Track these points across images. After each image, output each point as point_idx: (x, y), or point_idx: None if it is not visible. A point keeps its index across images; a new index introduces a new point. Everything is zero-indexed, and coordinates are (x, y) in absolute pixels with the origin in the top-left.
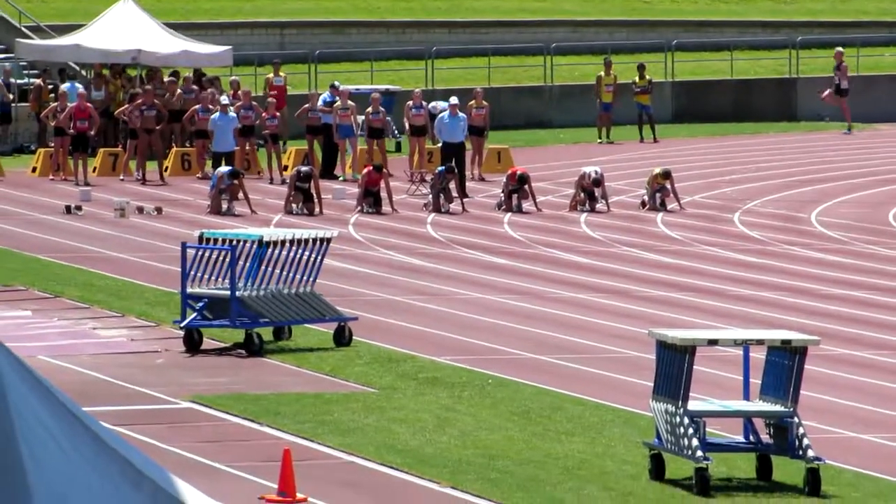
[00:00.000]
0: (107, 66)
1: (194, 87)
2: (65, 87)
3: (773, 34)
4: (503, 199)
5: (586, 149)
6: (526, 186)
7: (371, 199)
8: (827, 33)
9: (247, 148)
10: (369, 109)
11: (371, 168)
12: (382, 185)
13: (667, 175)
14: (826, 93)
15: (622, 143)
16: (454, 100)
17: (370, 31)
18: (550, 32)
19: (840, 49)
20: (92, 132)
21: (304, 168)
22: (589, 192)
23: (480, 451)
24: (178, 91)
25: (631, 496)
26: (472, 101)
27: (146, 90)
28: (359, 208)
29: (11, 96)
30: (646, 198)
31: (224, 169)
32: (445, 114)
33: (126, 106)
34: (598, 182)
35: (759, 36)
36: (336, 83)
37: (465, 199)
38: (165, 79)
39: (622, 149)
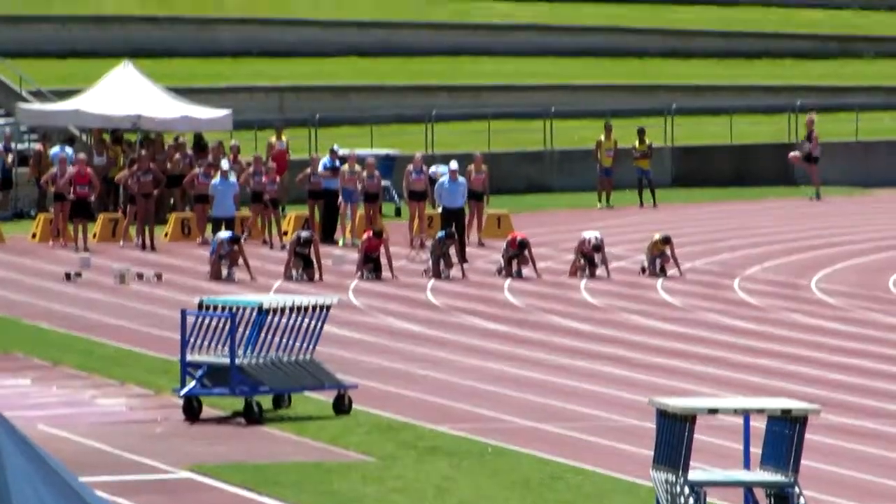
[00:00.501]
0: (107, 131)
1: (189, 152)
2: (54, 151)
3: (773, 99)
4: (503, 264)
5: (586, 214)
6: (526, 252)
7: (371, 264)
8: (826, 98)
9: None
10: (364, 174)
11: (371, 233)
12: (382, 250)
13: (666, 241)
14: (793, 154)
15: (622, 207)
16: (454, 164)
17: (370, 96)
18: (550, 96)
19: (812, 116)
20: (92, 198)
21: (304, 233)
22: (589, 258)
23: None
24: (176, 156)
25: None
26: (471, 166)
27: (142, 155)
28: (359, 274)
29: (11, 159)
30: (645, 264)
31: (224, 234)
32: (445, 179)
33: (124, 172)
34: (598, 248)
35: (758, 100)
36: (336, 147)
37: (464, 265)
38: (168, 143)
39: (622, 214)
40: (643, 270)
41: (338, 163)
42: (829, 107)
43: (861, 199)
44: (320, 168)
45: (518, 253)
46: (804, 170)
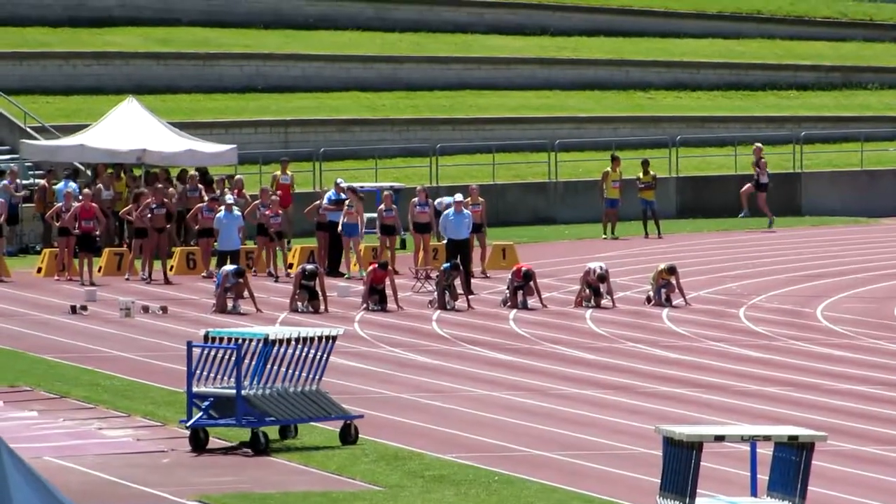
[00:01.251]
0: (111, 165)
1: (199, 185)
2: (59, 186)
3: (777, 129)
4: (508, 295)
5: (591, 245)
6: (531, 283)
7: (376, 296)
8: (831, 128)
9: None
10: (382, 207)
11: (376, 265)
12: (388, 282)
13: (672, 271)
14: (746, 187)
15: (627, 238)
16: (459, 197)
17: (374, 129)
18: (555, 129)
19: (759, 145)
20: (97, 232)
21: (309, 266)
22: (594, 289)
23: None
24: (172, 191)
25: None
26: (468, 199)
27: (156, 189)
28: (364, 306)
29: (19, 195)
30: (651, 293)
31: (229, 268)
32: (450, 211)
33: (131, 206)
34: (604, 278)
35: (762, 131)
36: (340, 180)
37: (470, 296)
38: (173, 179)
39: (627, 244)
40: (648, 300)
41: (342, 195)
42: (834, 137)
43: (866, 228)
44: (325, 201)
45: (523, 284)
46: (755, 202)
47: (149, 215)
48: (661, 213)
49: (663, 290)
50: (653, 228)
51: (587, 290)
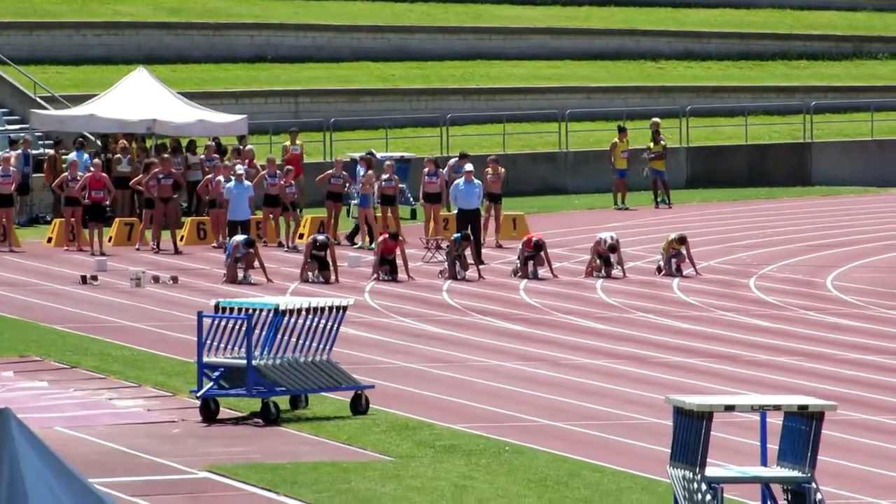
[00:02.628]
0: (124, 136)
1: (215, 155)
2: (72, 156)
3: (788, 99)
4: (519, 265)
5: (602, 214)
6: (542, 253)
7: (387, 266)
8: (841, 98)
9: (270, 217)
10: (384, 176)
11: (387, 235)
12: (398, 252)
13: (682, 240)
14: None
15: (637, 208)
16: (469, 166)
17: (385, 99)
18: (565, 99)
19: (656, 119)
20: (107, 203)
21: (319, 237)
22: (605, 258)
23: None
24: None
25: None
26: (488, 168)
27: (164, 159)
28: (375, 276)
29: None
30: (661, 263)
31: (239, 238)
32: (461, 180)
33: (141, 176)
34: (614, 248)
35: (773, 101)
36: (373, 151)
37: (480, 266)
38: (183, 149)
39: (637, 214)
40: (659, 270)
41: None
42: (844, 107)
43: (876, 197)
44: (360, 175)
45: (534, 254)
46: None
47: (154, 185)
48: (671, 183)
49: (674, 260)
50: (663, 198)
51: (598, 261)
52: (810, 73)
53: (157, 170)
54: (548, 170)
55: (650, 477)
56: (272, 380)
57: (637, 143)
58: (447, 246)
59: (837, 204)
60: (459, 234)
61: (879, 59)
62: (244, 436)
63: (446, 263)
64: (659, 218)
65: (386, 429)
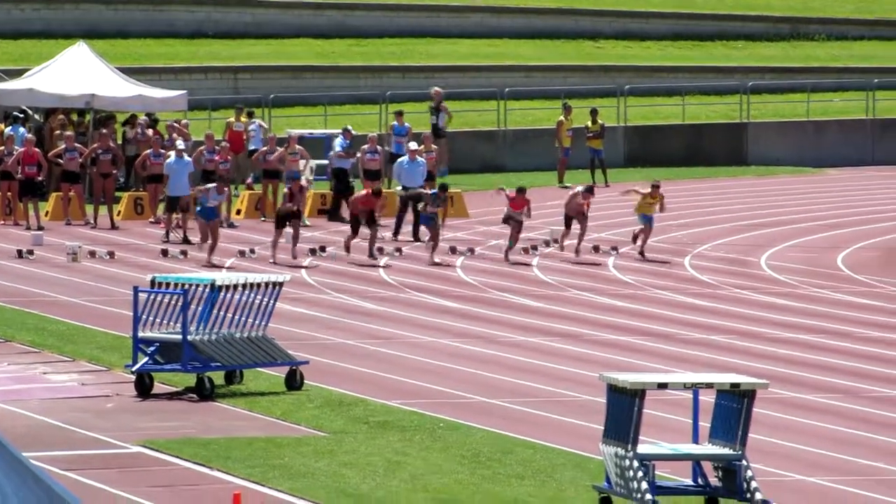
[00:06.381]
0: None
1: (148, 131)
2: (7, 130)
3: (725, 79)
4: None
5: (541, 193)
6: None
7: (367, 216)
8: (777, 79)
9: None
10: (365, 147)
11: (370, 191)
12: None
13: (589, 191)
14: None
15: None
16: (413, 145)
17: (324, 76)
18: (504, 77)
19: (438, 89)
20: (40, 177)
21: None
22: (572, 217)
23: (431, 495)
24: (106, 135)
25: None
26: (422, 146)
27: (102, 135)
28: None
29: None
30: (635, 231)
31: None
32: (405, 158)
33: (61, 148)
34: (591, 189)
35: (710, 81)
36: (349, 127)
37: (415, 244)
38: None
39: None
40: (634, 239)
41: (349, 143)
42: (781, 87)
43: (811, 178)
44: (338, 148)
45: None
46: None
47: (71, 157)
48: (608, 162)
49: (573, 221)
50: (600, 177)
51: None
52: (748, 53)
53: (95, 145)
54: (487, 148)
55: (583, 454)
56: (207, 355)
57: (576, 122)
58: (421, 205)
59: (773, 184)
60: (434, 192)
61: (816, 41)
62: (178, 411)
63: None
64: (596, 197)
65: (320, 404)
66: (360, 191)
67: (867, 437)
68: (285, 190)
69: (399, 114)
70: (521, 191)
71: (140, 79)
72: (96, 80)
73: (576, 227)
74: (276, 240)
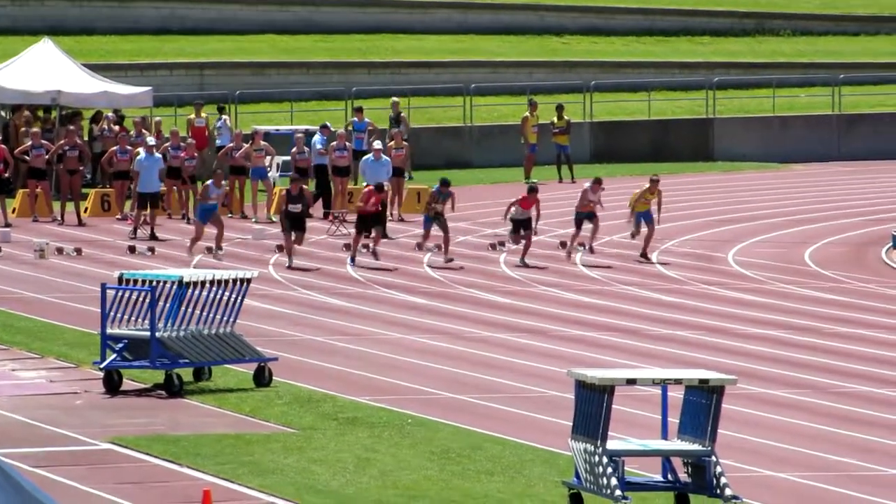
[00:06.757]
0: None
1: (115, 127)
2: None
3: (690, 75)
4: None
5: (507, 189)
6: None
7: (370, 225)
8: (743, 74)
9: (173, 189)
10: (334, 144)
11: (372, 188)
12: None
13: (656, 182)
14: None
15: (542, 183)
16: (378, 144)
17: (290, 72)
18: (470, 73)
19: (396, 99)
20: (7, 174)
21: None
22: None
23: (400, 492)
24: (73, 131)
25: None
26: (391, 142)
27: (69, 131)
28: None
29: None
30: (633, 228)
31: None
32: (369, 156)
33: (27, 145)
34: (600, 181)
35: (676, 77)
36: (327, 123)
37: (385, 240)
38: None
39: (541, 189)
40: (633, 235)
41: (324, 139)
42: (746, 83)
43: (777, 173)
44: (318, 146)
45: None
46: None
47: (38, 154)
48: (574, 158)
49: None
50: (566, 173)
51: (577, 229)
52: (713, 49)
53: (62, 141)
54: (453, 144)
55: (552, 450)
56: (176, 352)
57: (542, 118)
58: (427, 201)
59: (739, 179)
60: (437, 187)
61: (782, 36)
62: (147, 407)
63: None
64: (562, 193)
65: (289, 401)
66: (364, 189)
67: (835, 433)
68: (285, 191)
69: (359, 110)
70: (532, 190)
71: (106, 75)
72: (62, 77)
73: (587, 225)
74: (289, 244)
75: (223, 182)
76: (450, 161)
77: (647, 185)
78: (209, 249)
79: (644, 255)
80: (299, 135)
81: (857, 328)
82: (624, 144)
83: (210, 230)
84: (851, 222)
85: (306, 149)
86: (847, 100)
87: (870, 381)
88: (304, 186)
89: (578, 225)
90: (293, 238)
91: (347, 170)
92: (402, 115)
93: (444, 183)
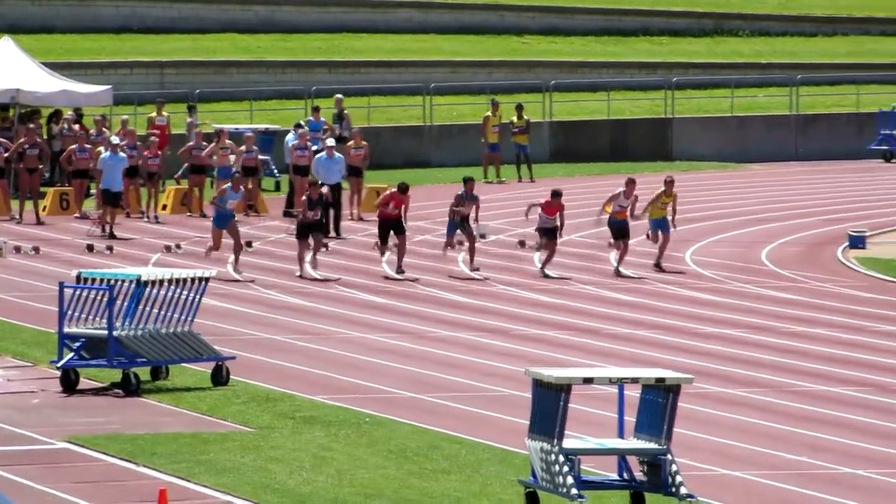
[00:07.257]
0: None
1: (75, 126)
2: None
3: (649, 75)
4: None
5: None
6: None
7: (391, 230)
8: (702, 74)
9: (131, 188)
10: (242, 148)
11: (395, 189)
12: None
13: (671, 182)
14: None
15: (502, 182)
16: (331, 141)
17: (250, 71)
18: (430, 72)
19: (339, 96)
20: None
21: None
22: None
23: (357, 490)
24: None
25: None
26: (351, 142)
27: (28, 129)
28: (377, 245)
29: None
30: (648, 232)
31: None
32: (322, 154)
33: None
34: (633, 181)
35: (635, 77)
36: (301, 122)
37: (340, 238)
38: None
39: (501, 188)
40: (648, 237)
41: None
42: (705, 83)
43: (735, 173)
44: (289, 144)
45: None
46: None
47: (22, 155)
48: (534, 158)
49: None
50: (526, 172)
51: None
52: (672, 49)
53: (22, 140)
54: (412, 143)
55: (508, 448)
56: (133, 350)
57: (503, 117)
58: (451, 204)
59: (697, 179)
60: (462, 192)
61: (740, 37)
62: (104, 406)
63: (446, 233)
64: (522, 192)
65: (246, 400)
66: (387, 191)
67: (790, 432)
68: (304, 196)
69: (316, 109)
70: (556, 195)
71: (66, 74)
72: (21, 75)
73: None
74: (302, 253)
75: (241, 187)
76: (409, 160)
77: (663, 188)
78: (167, 248)
79: (658, 264)
80: (248, 134)
81: (813, 327)
82: (583, 144)
83: (227, 239)
84: (808, 222)
85: (255, 148)
86: (804, 100)
87: (825, 380)
88: (323, 190)
89: (616, 236)
90: (313, 243)
91: (307, 169)
92: (346, 111)
93: (468, 181)
